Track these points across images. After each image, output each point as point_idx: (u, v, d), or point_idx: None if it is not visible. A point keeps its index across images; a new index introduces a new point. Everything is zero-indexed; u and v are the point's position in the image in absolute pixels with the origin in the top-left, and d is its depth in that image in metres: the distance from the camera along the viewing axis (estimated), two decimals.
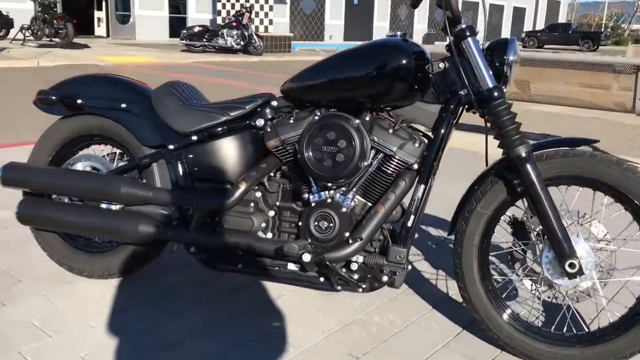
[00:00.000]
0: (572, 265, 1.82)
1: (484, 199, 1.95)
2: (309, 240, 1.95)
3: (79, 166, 2.27)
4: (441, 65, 1.94)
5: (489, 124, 1.92)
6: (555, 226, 1.81)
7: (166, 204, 2.08)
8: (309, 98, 2.02)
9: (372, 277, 1.98)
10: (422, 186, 1.93)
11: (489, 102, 1.85)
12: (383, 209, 1.93)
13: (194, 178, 2.12)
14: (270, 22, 19.43)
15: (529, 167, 1.83)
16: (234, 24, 16.48)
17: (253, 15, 18.14)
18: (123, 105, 2.19)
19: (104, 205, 2.12)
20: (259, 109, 2.11)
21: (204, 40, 16.28)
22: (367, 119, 1.97)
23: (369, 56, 1.93)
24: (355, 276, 1.98)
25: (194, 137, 2.10)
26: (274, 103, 2.10)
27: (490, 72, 1.86)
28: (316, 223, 1.96)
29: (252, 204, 2.05)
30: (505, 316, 1.96)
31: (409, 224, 1.94)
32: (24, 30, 15.51)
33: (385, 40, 1.96)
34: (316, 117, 1.98)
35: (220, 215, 2.07)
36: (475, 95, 1.89)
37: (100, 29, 21.22)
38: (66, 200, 2.23)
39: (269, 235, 2.06)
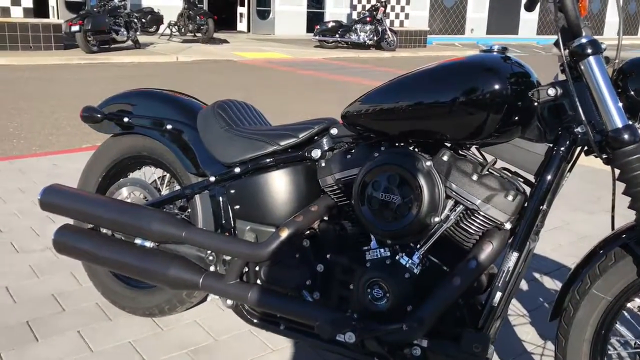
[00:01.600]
0: None
1: (604, 278, 1.41)
2: (355, 315, 1.54)
3: (124, 191, 2.05)
4: (551, 91, 1.42)
5: (616, 175, 1.38)
6: None
7: (205, 247, 1.77)
8: (375, 127, 1.59)
9: None
10: (515, 254, 1.44)
11: (616, 147, 1.31)
12: (459, 280, 1.46)
13: (236, 217, 1.79)
14: (407, 16, 18.82)
15: None
16: (367, 19, 16.12)
17: (388, 10, 17.67)
18: (169, 127, 1.92)
19: (138, 241, 1.86)
20: (316, 138, 1.72)
21: (337, 35, 16.10)
22: (445, 158, 1.50)
23: (454, 78, 1.46)
24: None
25: (237, 169, 1.76)
26: (334, 131, 1.70)
27: (620, 106, 1.32)
28: (369, 290, 1.54)
29: (297, 255, 1.68)
30: None
31: (495, 302, 1.46)
32: (171, 26, 16.36)
33: (478, 58, 1.47)
34: (377, 154, 1.56)
35: (259, 265, 1.72)
36: (597, 135, 1.36)
37: (242, 25, 21.87)
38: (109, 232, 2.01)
39: (316, 295, 1.67)
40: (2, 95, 7.03)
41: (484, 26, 26.76)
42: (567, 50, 1.38)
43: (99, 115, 2.00)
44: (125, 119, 1.98)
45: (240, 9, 21.83)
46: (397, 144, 1.60)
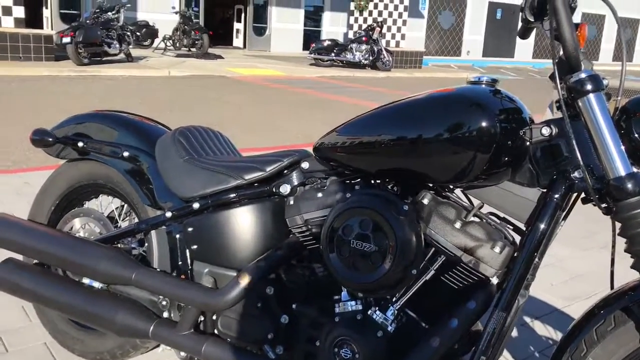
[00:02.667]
0: None
1: (602, 345, 1.23)
2: None
3: (77, 223, 1.87)
4: (545, 131, 1.26)
5: (617, 228, 1.22)
6: None
7: (152, 291, 1.59)
8: (350, 163, 1.42)
9: None
10: (502, 313, 1.26)
11: (618, 198, 1.15)
12: (437, 341, 1.29)
13: (193, 258, 1.61)
14: (403, 36, 18.78)
15: None
16: (363, 38, 16.08)
17: (385, 30, 17.66)
18: (126, 154, 1.75)
19: (86, 281, 1.68)
20: (285, 172, 1.55)
21: (332, 54, 16.03)
22: (426, 202, 1.33)
23: (439, 112, 1.29)
24: None
25: (196, 205, 1.58)
26: (305, 165, 1.53)
27: (623, 150, 1.16)
28: (336, 350, 1.36)
29: (259, 304, 1.50)
30: None
31: None
32: (165, 41, 16.26)
33: (465, 91, 1.31)
34: (349, 194, 1.39)
35: (216, 314, 1.54)
36: (597, 182, 1.19)
37: (238, 41, 21.83)
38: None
39: (279, 350, 1.48)
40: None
41: (480, 48, 26.89)
42: (563, 85, 1.22)
43: (50, 139, 1.82)
44: (80, 144, 1.81)
45: (236, 25, 21.81)
46: (373, 183, 1.43)
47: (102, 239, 1.74)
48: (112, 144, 1.78)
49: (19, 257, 1.84)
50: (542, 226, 1.25)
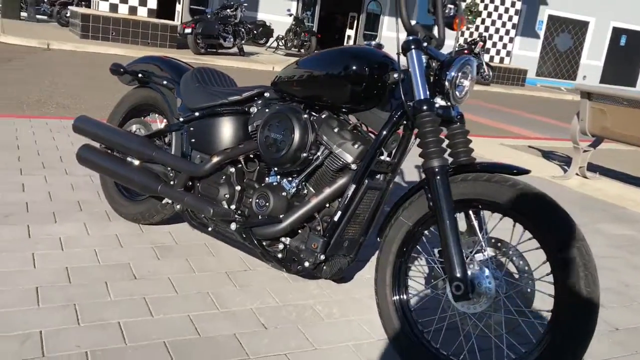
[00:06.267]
0: (457, 288, 1.74)
1: (408, 209, 1.96)
2: (238, 210, 2.16)
3: (133, 127, 2.81)
4: (396, 75, 2.00)
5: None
6: (449, 243, 1.76)
7: (165, 165, 2.49)
8: (289, 92, 2.24)
9: (296, 261, 2.12)
10: (354, 185, 2.01)
11: (416, 113, 1.87)
12: (315, 199, 2.07)
13: (192, 147, 2.49)
14: (508, 53, 18.92)
15: (437, 180, 1.81)
16: (465, 51, 16.47)
17: (490, 46, 17.93)
18: (164, 82, 2.66)
19: (129, 159, 2.61)
20: (255, 98, 2.39)
21: None
22: (323, 116, 2.12)
23: (336, 59, 2.08)
24: (280, 255, 2.14)
25: (197, 114, 2.46)
26: (267, 94, 2.36)
27: (425, 85, 1.88)
28: (257, 200, 2.17)
29: (223, 177, 2.34)
30: (406, 327, 1.94)
31: (335, 218, 2.04)
32: (278, 40, 17.63)
33: (354, 48, 2.09)
34: (277, 108, 2.20)
35: (198, 181, 2.41)
36: (411, 106, 1.92)
37: None
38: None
39: (233, 206, 2.32)
40: (111, 82, 8.29)
41: (598, 74, 26.06)
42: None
43: (121, 70, 2.78)
44: (140, 75, 2.75)
45: (348, 32, 22.90)
46: (300, 104, 2.23)
47: (144, 136, 2.67)
48: (158, 77, 2.70)
49: (95, 144, 2.82)
50: (385, 132, 1.98)
